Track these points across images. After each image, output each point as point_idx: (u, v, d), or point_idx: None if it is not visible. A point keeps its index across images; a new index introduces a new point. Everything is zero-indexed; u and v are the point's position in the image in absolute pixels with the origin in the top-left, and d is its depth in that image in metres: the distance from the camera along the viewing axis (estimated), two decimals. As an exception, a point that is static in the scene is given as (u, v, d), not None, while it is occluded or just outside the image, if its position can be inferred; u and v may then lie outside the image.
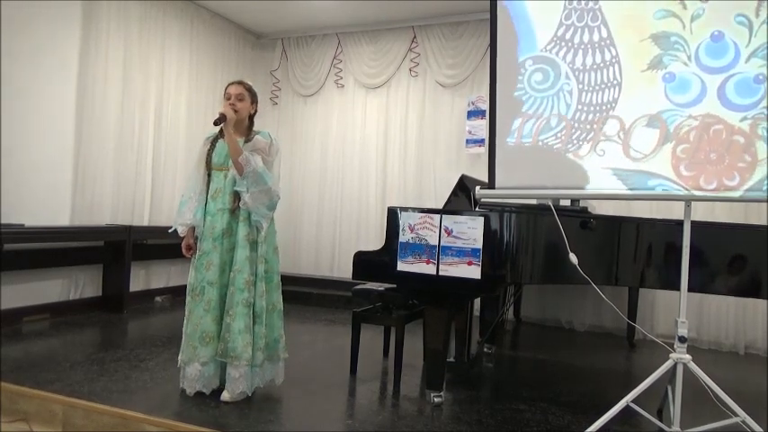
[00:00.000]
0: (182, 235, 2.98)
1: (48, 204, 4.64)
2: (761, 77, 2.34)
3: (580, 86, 2.62)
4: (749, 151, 2.35)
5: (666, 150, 2.46)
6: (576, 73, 2.63)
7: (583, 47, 2.62)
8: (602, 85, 2.59)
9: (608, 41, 2.59)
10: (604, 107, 2.58)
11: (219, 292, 2.86)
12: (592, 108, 2.61)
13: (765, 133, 2.32)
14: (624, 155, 2.53)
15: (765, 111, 2.33)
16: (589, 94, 2.61)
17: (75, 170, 4.85)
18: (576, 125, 2.60)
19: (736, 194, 2.35)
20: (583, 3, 2.63)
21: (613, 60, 2.58)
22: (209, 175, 2.95)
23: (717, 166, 2.38)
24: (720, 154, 2.38)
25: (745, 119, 2.36)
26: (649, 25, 2.51)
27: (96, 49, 4.98)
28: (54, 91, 4.69)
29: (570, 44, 2.64)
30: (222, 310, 2.86)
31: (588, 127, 2.59)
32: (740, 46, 2.38)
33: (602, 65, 2.60)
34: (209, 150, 2.97)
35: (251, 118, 3.01)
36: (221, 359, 2.83)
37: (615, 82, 2.57)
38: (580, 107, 2.62)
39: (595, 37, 2.61)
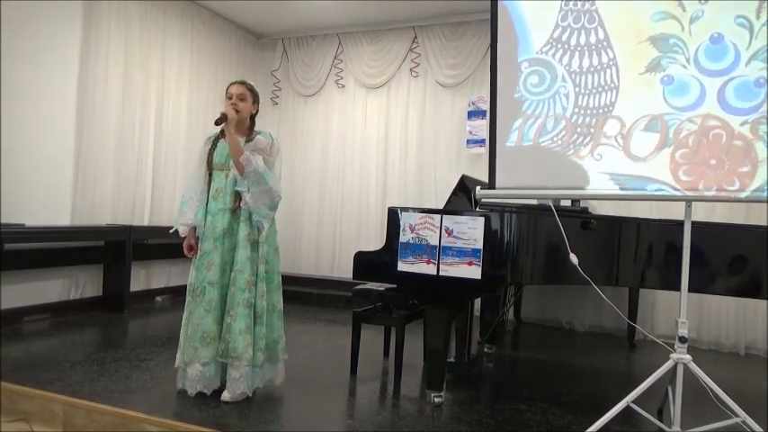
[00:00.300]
0: (183, 235, 2.98)
1: (48, 204, 4.64)
2: (761, 81, 2.30)
3: (577, 89, 2.58)
4: (749, 156, 2.31)
5: (665, 155, 2.42)
6: (573, 76, 2.58)
7: (579, 49, 2.58)
8: (600, 89, 2.55)
9: (605, 43, 2.55)
10: (601, 111, 2.54)
11: (220, 293, 2.86)
12: (589, 111, 2.56)
13: (766, 138, 2.28)
14: (621, 159, 2.49)
15: (766, 115, 2.29)
16: (586, 98, 2.57)
17: (76, 170, 4.85)
18: (573, 129, 2.57)
19: (737, 195, 2.32)
20: (579, 4, 2.59)
21: (611, 63, 2.54)
22: (210, 175, 2.95)
23: (716, 171, 2.34)
24: (720, 159, 2.34)
25: (745, 123, 2.32)
26: (647, 27, 2.47)
27: (97, 50, 4.99)
28: (54, 91, 4.69)
29: (566, 46, 2.60)
30: (223, 311, 2.85)
31: (585, 131, 2.55)
32: (740, 48, 2.34)
33: (599, 67, 2.55)
34: (210, 150, 2.97)
35: (252, 118, 3.01)
36: (222, 360, 2.83)
37: (612, 85, 2.53)
38: (577, 110, 2.57)
39: (592, 39, 2.57)
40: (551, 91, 2.62)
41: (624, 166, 2.48)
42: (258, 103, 3.04)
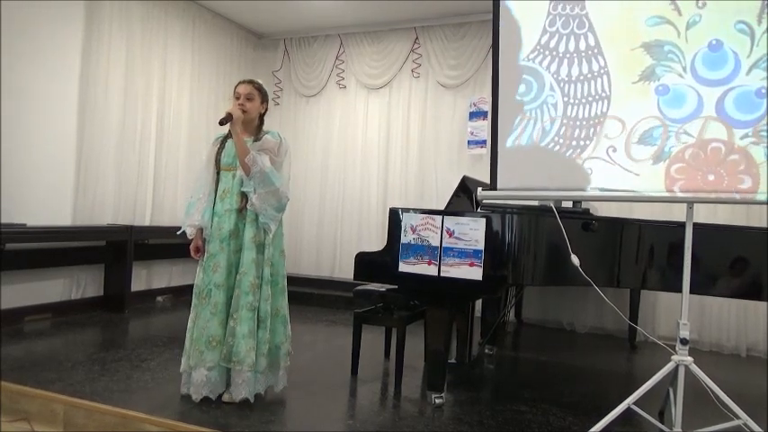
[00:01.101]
0: (190, 237, 2.94)
1: (49, 204, 4.65)
2: (763, 91, 2.17)
3: (565, 99, 2.46)
4: (750, 171, 2.18)
5: (659, 170, 2.31)
6: (561, 84, 2.46)
7: (568, 56, 2.45)
8: (590, 98, 2.42)
9: (596, 50, 2.42)
10: (592, 122, 2.41)
11: (226, 295, 2.81)
12: (578, 123, 2.43)
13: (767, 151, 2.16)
14: (612, 175, 2.38)
15: (767, 127, 2.16)
16: (575, 108, 2.44)
17: (77, 170, 4.86)
18: (562, 141, 2.47)
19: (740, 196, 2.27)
20: (569, 8, 2.46)
21: (602, 71, 2.41)
22: (218, 176, 2.92)
23: (714, 187, 2.23)
24: (719, 174, 2.22)
25: (746, 136, 2.19)
26: (641, 33, 2.35)
27: (98, 49, 4.99)
28: (56, 91, 4.69)
29: (555, 53, 2.47)
30: (228, 314, 2.81)
31: (574, 143, 2.44)
32: (740, 56, 2.21)
33: (589, 76, 2.42)
34: (218, 150, 2.94)
35: (261, 117, 2.98)
36: (224, 364, 2.78)
37: (604, 94, 2.40)
38: (566, 122, 2.45)
39: (582, 45, 2.43)
40: (539, 100, 2.50)
41: (616, 180, 2.38)
42: (267, 102, 3.01)
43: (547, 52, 2.51)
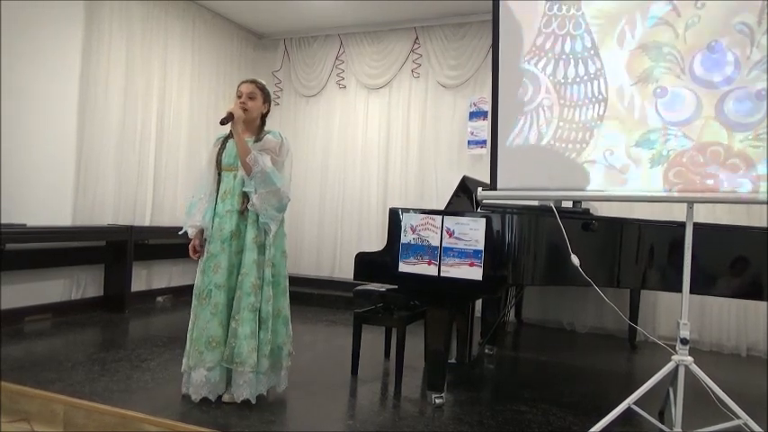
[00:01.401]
0: (191, 237, 2.93)
1: (49, 204, 4.65)
2: (763, 93, 2.13)
3: (561, 102, 2.42)
4: (750, 175, 2.14)
5: (657, 174, 2.27)
6: (557, 87, 2.43)
7: (564, 57, 2.41)
8: (586, 101, 2.39)
9: (592, 52, 2.38)
10: (589, 125, 2.37)
11: (227, 296, 2.80)
12: (574, 126, 2.39)
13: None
14: (609, 179, 2.35)
15: (767, 129, 2.11)
16: (571, 110, 2.40)
17: (77, 170, 4.86)
18: (558, 144, 2.44)
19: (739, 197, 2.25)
20: (564, 9, 2.42)
21: (598, 73, 2.37)
22: (219, 176, 2.91)
23: (714, 192, 2.19)
24: (718, 179, 2.18)
25: (746, 139, 2.15)
26: (639, 34, 2.32)
27: (99, 50, 4.99)
28: (56, 91, 4.69)
29: (550, 54, 2.44)
30: (229, 315, 2.80)
31: (570, 146, 2.41)
32: (740, 57, 2.17)
33: (585, 78, 2.39)
34: (219, 150, 2.93)
35: (263, 117, 2.98)
36: (226, 365, 2.77)
37: (600, 97, 2.37)
38: (562, 124, 2.42)
39: (578, 47, 2.40)
40: (535, 103, 2.47)
41: (614, 183, 2.36)
42: (270, 102, 3.01)
43: (542, 54, 2.48)
